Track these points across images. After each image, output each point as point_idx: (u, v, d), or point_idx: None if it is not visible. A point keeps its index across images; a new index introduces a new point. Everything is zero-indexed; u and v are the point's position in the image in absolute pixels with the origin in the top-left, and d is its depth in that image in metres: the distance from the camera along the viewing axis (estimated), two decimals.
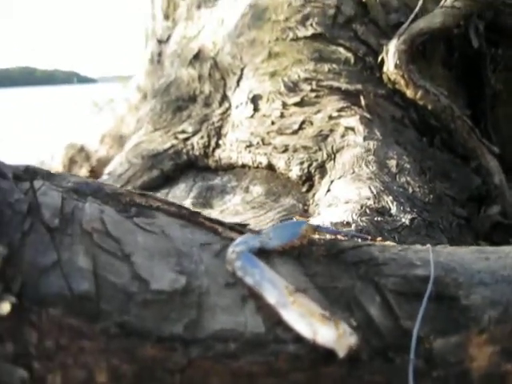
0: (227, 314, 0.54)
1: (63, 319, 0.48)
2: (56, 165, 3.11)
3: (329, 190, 1.48)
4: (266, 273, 0.57)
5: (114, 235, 0.58)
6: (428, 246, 0.69)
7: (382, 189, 1.39)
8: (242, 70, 1.99)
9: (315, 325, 0.52)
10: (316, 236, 0.69)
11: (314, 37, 1.89)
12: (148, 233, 0.60)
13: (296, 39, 1.91)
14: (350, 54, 1.85)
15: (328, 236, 0.70)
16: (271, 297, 0.55)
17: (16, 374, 0.44)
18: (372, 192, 1.38)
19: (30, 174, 0.65)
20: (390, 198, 1.36)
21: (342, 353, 0.51)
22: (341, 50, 1.86)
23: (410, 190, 1.44)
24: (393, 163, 1.51)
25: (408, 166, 1.52)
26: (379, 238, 0.74)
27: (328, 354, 0.52)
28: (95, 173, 2.69)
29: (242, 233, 0.66)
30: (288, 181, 1.66)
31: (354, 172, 1.48)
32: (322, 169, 1.60)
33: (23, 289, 0.49)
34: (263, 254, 0.62)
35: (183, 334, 0.50)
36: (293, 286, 0.56)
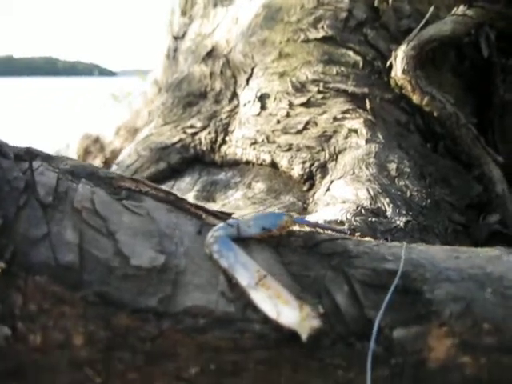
0: (200, 292, 0.58)
1: (47, 286, 0.52)
2: (71, 154, 3.16)
3: (328, 190, 1.51)
4: (239, 257, 0.61)
5: (102, 214, 0.62)
6: (404, 243, 0.73)
7: (380, 191, 1.42)
8: (253, 68, 2.03)
9: (280, 306, 0.56)
10: (295, 228, 0.73)
11: (325, 39, 1.92)
12: (134, 214, 0.65)
13: (307, 41, 1.94)
14: (358, 58, 1.88)
15: (307, 229, 0.73)
16: (242, 279, 0.58)
17: (1, 331, 0.49)
18: (369, 193, 1.41)
19: (30, 154, 0.70)
20: (387, 200, 1.39)
21: (304, 334, 0.54)
22: (350, 53, 1.89)
23: (408, 194, 1.47)
24: (393, 166, 1.54)
25: (408, 170, 1.55)
26: (357, 234, 0.77)
27: (291, 335, 0.55)
28: (108, 164, 2.74)
29: (224, 220, 0.70)
30: (290, 179, 1.69)
31: (353, 173, 1.51)
32: (323, 169, 1.63)
33: (13, 257, 0.53)
34: (242, 241, 0.66)
35: (157, 307, 0.54)
36: (264, 271, 0.60)
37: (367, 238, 0.76)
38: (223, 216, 0.71)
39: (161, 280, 0.57)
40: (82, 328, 0.51)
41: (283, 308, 0.56)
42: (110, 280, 0.55)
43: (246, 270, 0.59)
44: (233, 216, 0.71)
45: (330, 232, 0.74)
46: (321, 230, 0.74)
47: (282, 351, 0.56)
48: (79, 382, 0.50)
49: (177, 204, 0.70)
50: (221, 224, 0.66)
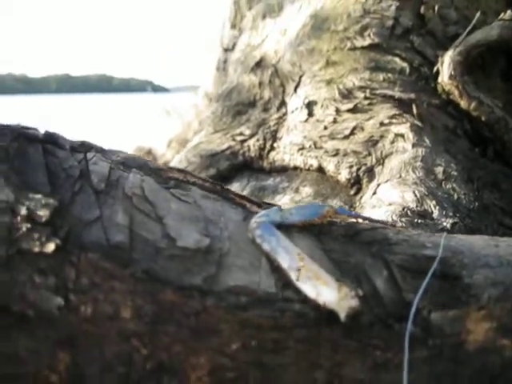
0: (243, 273, 0.60)
1: (99, 262, 0.56)
2: None
3: (374, 193, 1.52)
4: (281, 241, 0.63)
5: (151, 200, 0.65)
6: (444, 233, 0.73)
7: (426, 193, 1.42)
8: (301, 77, 2.06)
9: (319, 287, 0.58)
10: (337, 219, 0.75)
11: (371, 47, 1.94)
12: (181, 202, 0.68)
13: (353, 49, 1.96)
14: (405, 64, 1.88)
15: (349, 219, 0.75)
16: (284, 261, 0.61)
17: (55, 302, 0.52)
18: (416, 196, 1.41)
19: (85, 147, 0.74)
20: (434, 202, 1.39)
21: (342, 314, 0.56)
22: (396, 60, 1.90)
23: (455, 197, 1.46)
24: (440, 170, 1.53)
25: (455, 173, 1.54)
26: (399, 225, 0.78)
27: (330, 315, 0.57)
28: None
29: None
30: (337, 183, 1.71)
31: (400, 177, 1.52)
32: (370, 173, 1.64)
33: (68, 236, 0.57)
34: (284, 228, 0.68)
35: (201, 285, 0.57)
36: (304, 254, 0.62)
37: (406, 228, 0.77)
38: (267, 206, 0.74)
39: (205, 260, 0.60)
40: (130, 302, 0.55)
41: (322, 288, 0.58)
42: (157, 259, 0.58)
43: (288, 254, 0.61)
44: (276, 205, 0.74)
45: (371, 223, 0.75)
46: (362, 221, 0.76)
47: (321, 331, 0.58)
48: (127, 353, 0.53)
49: (223, 194, 0.73)
50: (263, 211, 0.69)
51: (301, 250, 0.63)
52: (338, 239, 0.70)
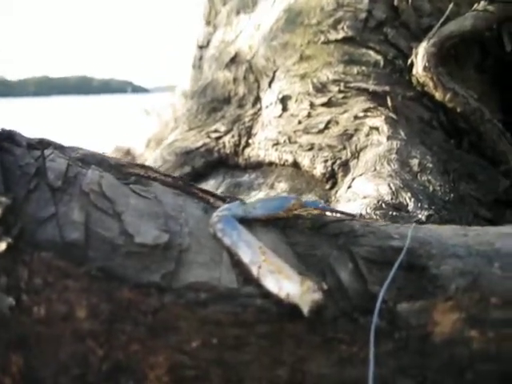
0: (203, 268, 0.58)
1: (52, 261, 0.54)
2: None
3: (349, 187, 1.51)
4: (243, 235, 0.62)
5: (109, 196, 0.63)
6: (413, 223, 0.72)
7: (402, 186, 1.41)
8: (275, 72, 2.04)
9: (281, 281, 0.56)
10: (304, 212, 0.73)
11: (345, 40, 1.93)
12: (141, 197, 0.66)
13: (327, 42, 1.95)
14: (379, 57, 1.88)
15: (316, 212, 0.73)
16: (245, 255, 0.59)
17: (6, 302, 0.50)
18: (391, 188, 1.40)
19: (42, 144, 0.72)
20: (409, 194, 1.38)
21: (305, 308, 0.55)
22: (371, 52, 1.89)
23: (431, 189, 1.46)
24: (415, 162, 1.53)
25: (431, 165, 1.54)
26: (367, 217, 0.77)
27: (293, 310, 0.55)
28: None
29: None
30: (312, 178, 1.69)
31: (375, 169, 1.51)
32: (345, 167, 1.63)
33: (21, 234, 0.55)
34: (247, 222, 0.66)
35: (159, 282, 0.55)
36: (267, 248, 0.60)
37: (374, 219, 0.76)
38: (231, 200, 0.72)
39: (164, 257, 0.58)
40: (85, 301, 0.53)
41: (284, 282, 0.56)
42: (114, 256, 0.56)
43: (249, 248, 0.60)
44: (240, 199, 0.72)
45: (339, 215, 0.74)
46: (330, 214, 0.74)
47: (284, 326, 0.56)
48: (82, 354, 0.52)
49: (185, 189, 0.71)
50: (226, 205, 0.67)
51: (263, 244, 0.61)
52: (303, 232, 0.69)
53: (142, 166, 0.73)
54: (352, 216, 0.76)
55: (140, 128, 3.55)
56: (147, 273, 0.56)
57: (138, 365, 0.53)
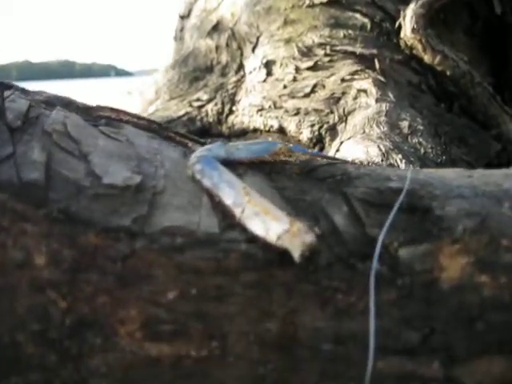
0: (180, 212, 0.52)
1: (7, 203, 0.47)
2: None
3: (338, 151, 1.45)
4: (224, 175, 0.55)
5: (75, 136, 0.56)
6: (410, 166, 0.66)
7: (392, 148, 1.35)
8: (258, 38, 1.97)
9: (269, 223, 0.49)
10: (291, 157, 0.66)
11: (330, 3, 1.85)
12: (111, 139, 0.59)
13: (312, 6, 1.88)
14: (366, 20, 1.81)
15: (304, 157, 0.67)
16: (228, 197, 0.52)
17: None
18: (381, 150, 1.34)
19: (2, 85, 0.65)
20: (399, 156, 1.32)
21: (296, 252, 0.48)
22: (357, 15, 1.82)
23: (422, 151, 1.40)
24: (405, 124, 1.47)
25: (421, 127, 1.48)
26: (358, 161, 0.70)
27: (282, 255, 0.49)
28: None
29: None
30: (299, 143, 1.63)
31: (364, 132, 1.45)
32: (333, 131, 1.57)
33: None
34: (230, 165, 0.60)
35: (130, 227, 0.49)
36: (251, 189, 0.54)
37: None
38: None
39: (136, 200, 0.51)
40: (45, 247, 0.46)
41: (272, 224, 0.49)
42: (78, 198, 0.49)
43: (232, 188, 0.53)
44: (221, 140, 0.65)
45: (329, 160, 0.68)
46: (320, 159, 0.68)
47: (272, 273, 0.50)
48: (41, 306, 0.45)
49: (160, 132, 0.64)
50: (206, 146, 0.60)
51: (247, 185, 0.54)
52: (292, 177, 0.62)
53: (113, 109, 0.66)
54: (344, 160, 0.69)
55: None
56: (116, 216, 0.49)
57: (106, 319, 0.46)
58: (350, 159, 0.71)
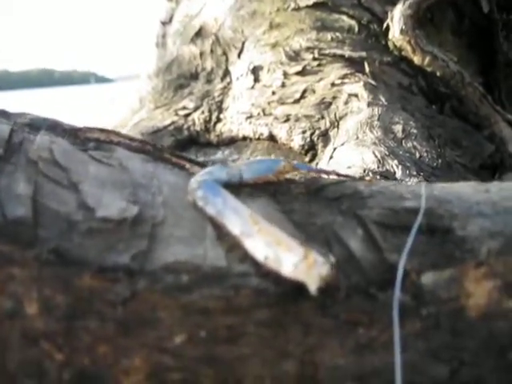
0: (183, 245, 0.47)
1: None
2: None
3: (331, 158, 1.41)
4: (229, 202, 0.50)
5: (63, 164, 0.52)
6: (423, 182, 0.62)
7: (387, 153, 1.32)
8: (244, 43, 1.93)
9: (281, 254, 0.45)
10: (296, 175, 0.62)
11: (316, 6, 1.82)
12: (103, 164, 0.54)
13: (297, 9, 1.84)
14: (353, 22, 1.78)
15: (309, 175, 0.63)
16: (234, 226, 0.48)
17: None
18: (376, 156, 1.30)
19: None
20: (395, 161, 1.29)
21: (312, 286, 0.44)
22: (344, 18, 1.79)
23: (417, 155, 1.37)
24: (399, 128, 1.43)
25: (415, 131, 1.45)
26: (368, 178, 0.66)
27: (297, 289, 0.45)
28: None
29: None
30: (290, 151, 1.59)
31: (357, 138, 1.41)
32: (325, 137, 1.53)
33: None
34: (232, 188, 0.55)
35: (129, 265, 0.44)
36: (259, 215, 0.49)
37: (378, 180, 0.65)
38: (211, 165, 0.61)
39: (134, 234, 0.46)
40: (36, 293, 0.41)
41: (285, 255, 0.45)
42: (70, 235, 0.45)
43: (238, 216, 0.49)
44: (222, 162, 0.61)
45: (335, 177, 0.64)
46: (326, 177, 0.64)
47: (287, 309, 0.45)
48: (35, 360, 0.40)
49: (155, 154, 0.60)
50: (206, 169, 0.56)
51: (254, 212, 0.50)
52: (298, 198, 0.58)
53: (103, 130, 0.61)
54: (352, 177, 0.65)
55: (106, 117, 3.41)
56: (113, 254, 0.44)
57: (108, 371, 0.41)
58: (357, 175, 0.66)
